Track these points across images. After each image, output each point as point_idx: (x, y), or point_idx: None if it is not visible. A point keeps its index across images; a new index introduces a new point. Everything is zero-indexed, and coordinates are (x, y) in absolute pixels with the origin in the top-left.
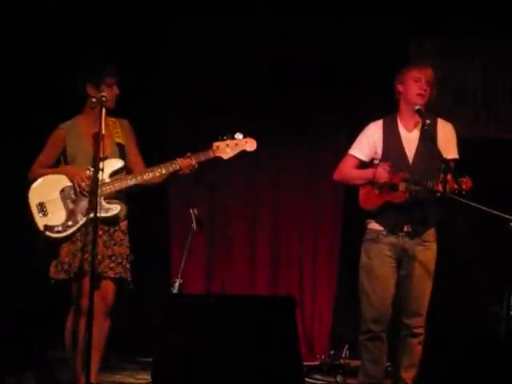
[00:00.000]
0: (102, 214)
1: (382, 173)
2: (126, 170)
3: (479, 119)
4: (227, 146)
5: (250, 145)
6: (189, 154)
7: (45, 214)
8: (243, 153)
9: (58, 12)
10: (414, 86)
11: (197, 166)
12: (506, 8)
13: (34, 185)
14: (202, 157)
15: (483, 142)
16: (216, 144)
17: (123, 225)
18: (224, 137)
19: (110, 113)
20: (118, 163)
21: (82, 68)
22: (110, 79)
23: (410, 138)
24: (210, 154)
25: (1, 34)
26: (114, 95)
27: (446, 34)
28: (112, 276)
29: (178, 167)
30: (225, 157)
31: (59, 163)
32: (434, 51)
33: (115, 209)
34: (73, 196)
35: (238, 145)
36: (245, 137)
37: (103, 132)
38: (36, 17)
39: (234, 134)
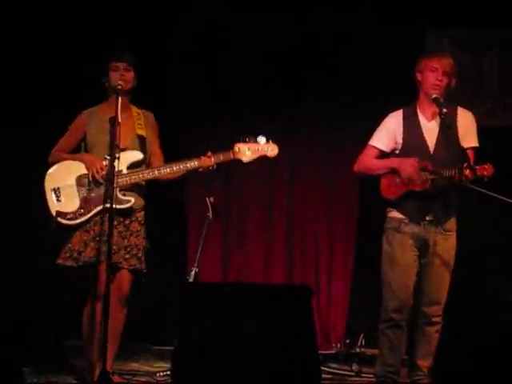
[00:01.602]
0: (117, 206)
1: (409, 169)
2: (148, 164)
3: (496, 109)
4: (248, 149)
5: (272, 150)
6: (209, 153)
7: (58, 200)
8: (264, 158)
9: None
10: (431, 75)
11: (215, 166)
12: None
13: (51, 170)
14: (222, 157)
15: (500, 131)
16: (237, 145)
17: (140, 215)
18: (246, 139)
19: (135, 104)
20: (137, 155)
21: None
22: (115, 63)
23: (430, 128)
24: (230, 156)
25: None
26: (120, 76)
27: (461, 25)
28: (126, 267)
29: (196, 165)
30: (245, 160)
31: (80, 149)
32: (450, 43)
33: (129, 201)
34: (88, 185)
35: (259, 150)
36: (267, 141)
37: (119, 120)
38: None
39: (257, 137)
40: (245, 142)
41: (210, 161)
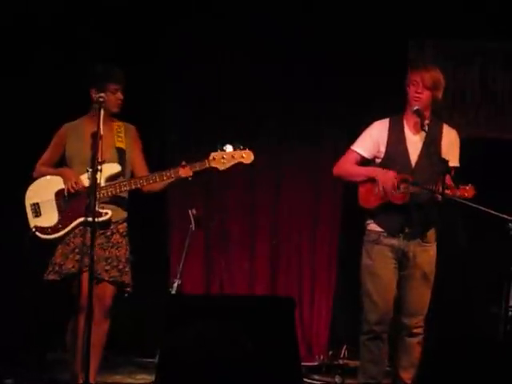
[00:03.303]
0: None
1: (388, 183)
2: (131, 175)
3: (478, 119)
4: (223, 157)
5: (247, 157)
6: (183, 163)
7: (37, 215)
8: (240, 164)
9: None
10: (412, 89)
11: (192, 174)
12: (504, 10)
13: (32, 185)
14: (198, 167)
15: (482, 142)
16: (213, 154)
17: (121, 227)
18: (223, 147)
19: (117, 117)
20: (115, 168)
21: (87, 72)
22: (114, 85)
23: (414, 141)
24: (206, 165)
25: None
26: (117, 100)
27: (444, 35)
28: (106, 279)
29: (173, 175)
30: (220, 168)
31: (64, 162)
32: (433, 52)
33: (106, 214)
34: (66, 199)
35: (234, 157)
36: (242, 149)
37: (102, 133)
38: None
39: (232, 144)
40: (220, 150)
41: (186, 171)
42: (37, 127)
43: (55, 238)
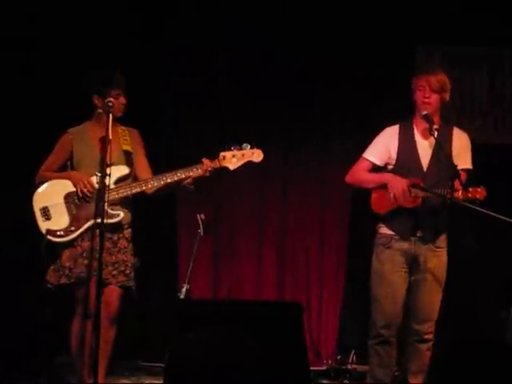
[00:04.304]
0: (107, 220)
1: (399, 189)
2: (134, 178)
3: (486, 125)
4: (233, 156)
5: (257, 156)
6: (203, 160)
7: (48, 218)
8: (249, 164)
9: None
10: (419, 94)
11: (209, 171)
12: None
13: (39, 189)
14: (210, 167)
15: (490, 148)
16: (223, 154)
17: (127, 232)
18: (231, 147)
19: (119, 122)
20: (123, 170)
21: (87, 78)
22: (116, 90)
23: (424, 146)
24: (217, 164)
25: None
26: (120, 105)
27: (452, 41)
28: (114, 284)
29: (183, 177)
30: (231, 167)
31: (66, 168)
32: (441, 58)
33: (118, 215)
34: (76, 201)
35: (244, 155)
36: (252, 147)
37: (110, 138)
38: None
39: (241, 144)
40: (229, 149)
41: (197, 171)
42: (37, 129)
43: (68, 241)
